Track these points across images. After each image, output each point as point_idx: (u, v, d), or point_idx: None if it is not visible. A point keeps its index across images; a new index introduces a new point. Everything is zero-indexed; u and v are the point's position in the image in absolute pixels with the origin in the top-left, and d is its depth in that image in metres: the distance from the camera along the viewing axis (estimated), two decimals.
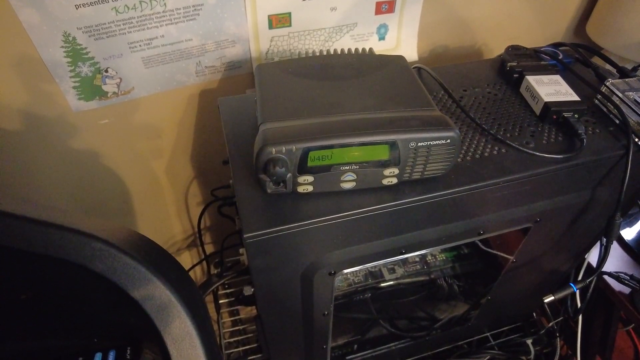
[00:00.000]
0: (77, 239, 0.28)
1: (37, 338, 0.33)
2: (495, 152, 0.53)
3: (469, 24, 0.82)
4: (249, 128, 0.55)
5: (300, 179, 0.45)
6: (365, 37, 0.76)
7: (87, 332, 0.34)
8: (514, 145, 0.53)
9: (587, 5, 0.87)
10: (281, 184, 0.46)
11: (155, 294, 0.31)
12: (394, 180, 0.47)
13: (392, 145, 0.44)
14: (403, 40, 0.78)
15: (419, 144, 0.44)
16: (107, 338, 0.34)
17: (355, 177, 0.46)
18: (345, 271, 0.54)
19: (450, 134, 0.44)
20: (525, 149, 0.53)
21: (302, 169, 0.44)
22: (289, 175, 0.44)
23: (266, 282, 0.51)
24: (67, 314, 0.33)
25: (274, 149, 0.42)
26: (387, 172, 0.46)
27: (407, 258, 0.77)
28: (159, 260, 0.32)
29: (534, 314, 0.94)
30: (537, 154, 0.53)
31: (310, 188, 0.46)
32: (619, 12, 0.79)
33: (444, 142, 0.45)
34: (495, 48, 0.88)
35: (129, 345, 0.34)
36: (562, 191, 0.57)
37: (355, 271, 0.75)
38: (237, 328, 0.98)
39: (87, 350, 0.34)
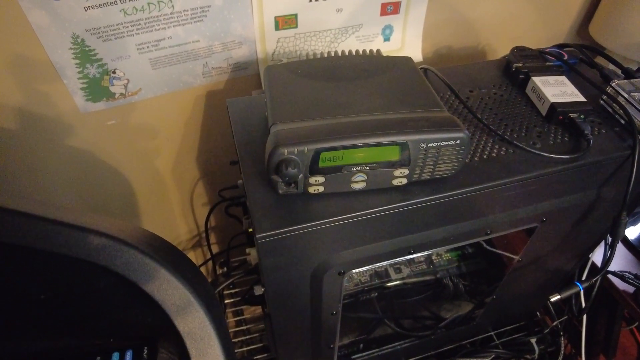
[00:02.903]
0: (98, 240, 0.29)
1: (55, 337, 0.33)
2: (502, 153, 0.54)
3: (473, 24, 0.82)
4: (258, 129, 0.55)
5: (312, 180, 0.45)
6: (371, 38, 0.76)
7: (105, 331, 0.34)
8: (521, 145, 0.54)
9: (590, 5, 0.88)
10: (292, 185, 0.46)
11: (175, 294, 0.31)
12: (404, 181, 0.48)
13: (403, 146, 0.44)
14: (408, 41, 0.79)
15: (429, 144, 0.45)
16: (124, 338, 0.35)
17: (366, 177, 0.46)
18: (354, 271, 0.55)
19: (460, 134, 0.45)
20: (532, 150, 0.53)
21: (314, 169, 0.44)
22: (300, 176, 0.45)
23: (277, 281, 0.51)
24: (85, 313, 0.33)
25: (286, 150, 0.43)
26: (397, 172, 0.47)
27: (413, 258, 0.77)
28: (176, 260, 0.33)
29: (538, 313, 0.94)
30: (544, 154, 0.53)
31: (321, 189, 0.47)
32: (622, 13, 0.79)
33: (454, 142, 0.45)
34: (498, 48, 0.89)
35: (145, 345, 0.34)
36: (568, 191, 0.57)
37: (362, 271, 0.76)
38: (241, 328, 0.98)
39: (105, 350, 0.34)
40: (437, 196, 0.49)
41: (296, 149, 0.43)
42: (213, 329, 0.32)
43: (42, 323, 0.32)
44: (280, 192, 0.47)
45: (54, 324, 0.32)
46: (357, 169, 0.46)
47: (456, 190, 0.49)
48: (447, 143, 0.45)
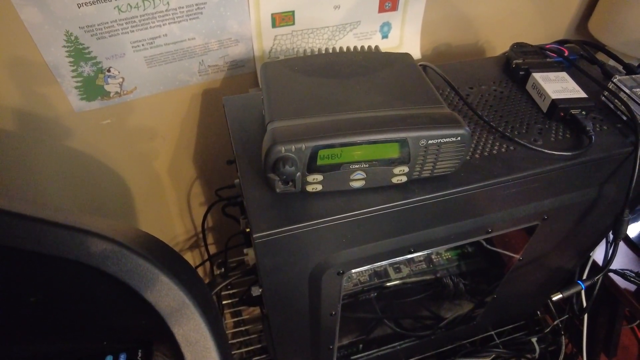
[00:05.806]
0: (89, 241, 0.28)
1: (46, 341, 0.32)
2: (503, 150, 0.53)
3: (472, 21, 0.81)
4: (255, 127, 0.54)
5: (310, 178, 0.45)
6: (369, 35, 0.75)
7: (97, 335, 0.33)
8: (522, 142, 0.53)
9: (589, 2, 0.87)
10: (290, 183, 0.45)
11: (169, 296, 0.30)
12: (404, 179, 0.47)
13: (403, 143, 0.43)
14: (406, 38, 0.78)
15: (430, 141, 0.44)
16: (117, 341, 0.34)
17: (365, 175, 0.46)
18: (353, 271, 0.54)
19: (461, 131, 0.44)
20: (533, 147, 0.53)
21: (312, 167, 0.44)
22: (298, 174, 0.44)
23: (274, 282, 0.50)
24: (77, 316, 0.32)
25: (283, 148, 0.42)
26: (396, 170, 0.46)
27: (412, 257, 0.77)
28: (171, 261, 0.32)
29: (538, 312, 0.93)
30: (546, 151, 0.52)
31: (319, 187, 0.46)
32: (621, 9, 0.79)
33: (454, 139, 0.44)
34: (498, 45, 0.88)
35: (139, 348, 0.33)
36: (570, 188, 0.57)
37: (361, 271, 0.75)
38: (239, 329, 0.97)
39: (98, 354, 0.33)
40: (437, 194, 0.48)
41: (293, 147, 0.42)
42: (209, 332, 0.31)
43: (32, 326, 0.31)
44: (278, 190, 0.46)
45: (45, 328, 0.31)
46: (356, 166, 0.45)
47: (457, 188, 0.49)
48: (447, 140, 0.44)
